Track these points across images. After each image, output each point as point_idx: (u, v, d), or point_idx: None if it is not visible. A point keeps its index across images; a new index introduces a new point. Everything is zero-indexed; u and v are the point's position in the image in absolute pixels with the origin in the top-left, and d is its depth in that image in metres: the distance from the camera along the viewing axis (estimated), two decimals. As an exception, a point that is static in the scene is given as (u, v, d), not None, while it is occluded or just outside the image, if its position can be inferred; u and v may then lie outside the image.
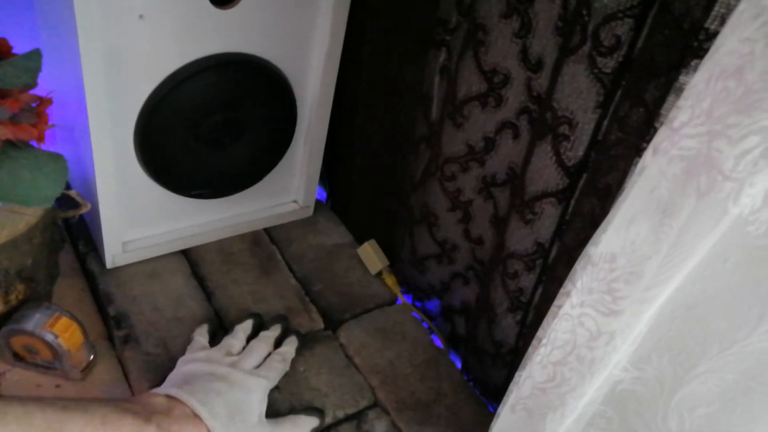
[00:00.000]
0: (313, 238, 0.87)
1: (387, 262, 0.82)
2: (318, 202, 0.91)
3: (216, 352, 0.65)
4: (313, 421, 0.64)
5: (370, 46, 0.71)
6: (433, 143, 0.66)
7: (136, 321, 0.70)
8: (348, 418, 0.67)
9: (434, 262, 0.73)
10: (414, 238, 0.74)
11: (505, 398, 0.54)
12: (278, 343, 0.70)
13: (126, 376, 0.68)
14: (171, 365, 0.67)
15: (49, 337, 0.62)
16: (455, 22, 0.61)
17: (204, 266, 0.79)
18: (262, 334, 0.69)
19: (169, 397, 0.57)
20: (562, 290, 0.44)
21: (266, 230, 0.87)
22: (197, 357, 0.64)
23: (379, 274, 0.83)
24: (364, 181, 0.84)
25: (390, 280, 0.82)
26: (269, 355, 0.67)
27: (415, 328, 0.78)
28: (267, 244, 0.85)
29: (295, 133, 0.80)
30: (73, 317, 0.64)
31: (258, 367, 0.65)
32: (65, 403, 0.51)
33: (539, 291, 0.55)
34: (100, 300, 0.73)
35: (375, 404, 0.69)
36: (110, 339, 0.72)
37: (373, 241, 0.83)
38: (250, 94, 0.72)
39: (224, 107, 0.71)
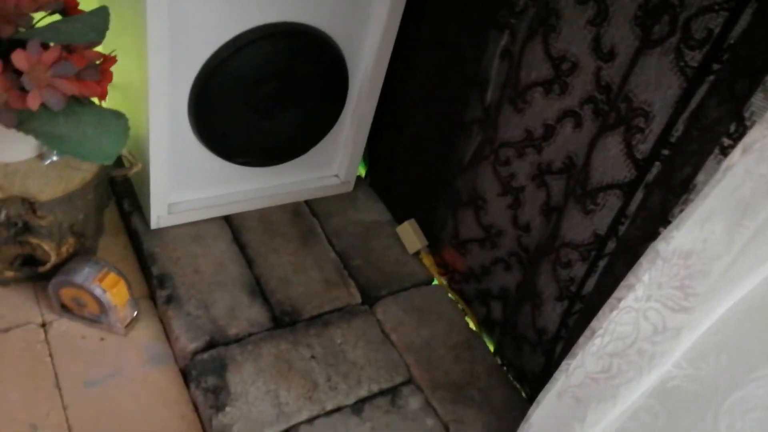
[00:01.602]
0: (352, 213, 0.88)
1: (426, 243, 0.83)
2: (357, 179, 0.91)
3: None
4: None
5: (428, 25, 0.71)
6: (488, 126, 0.65)
7: (178, 282, 0.71)
8: (383, 393, 0.68)
9: (477, 246, 0.73)
10: (458, 220, 0.74)
11: (548, 385, 0.54)
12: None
13: (167, 334, 0.69)
14: (212, 327, 0.68)
15: (98, 291, 0.63)
16: (523, 5, 0.60)
17: (246, 233, 0.79)
18: None
19: None
20: (623, 283, 0.44)
21: (307, 203, 0.87)
22: None
23: (417, 253, 0.83)
24: (409, 161, 0.84)
25: (428, 260, 0.82)
26: None
27: (450, 310, 0.78)
28: (307, 216, 0.85)
29: (344, 108, 0.80)
30: (120, 273, 0.65)
31: None
32: None
33: (591, 282, 0.55)
34: (143, 259, 0.74)
35: (409, 381, 0.70)
36: (152, 298, 0.73)
37: (413, 221, 0.84)
38: (305, 65, 0.72)
39: (278, 77, 0.71)
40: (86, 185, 0.62)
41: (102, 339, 0.67)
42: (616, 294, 0.45)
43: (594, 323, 0.48)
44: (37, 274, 0.65)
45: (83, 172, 0.63)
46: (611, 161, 0.50)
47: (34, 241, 0.60)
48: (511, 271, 0.71)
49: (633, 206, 0.50)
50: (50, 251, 0.61)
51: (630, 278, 0.44)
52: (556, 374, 0.53)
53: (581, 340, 0.49)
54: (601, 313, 0.47)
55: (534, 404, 0.57)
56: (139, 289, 0.72)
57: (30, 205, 0.58)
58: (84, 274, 0.63)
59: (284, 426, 0.62)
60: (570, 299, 0.58)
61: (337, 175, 0.88)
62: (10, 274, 0.62)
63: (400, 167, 0.86)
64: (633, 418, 0.53)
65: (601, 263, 0.54)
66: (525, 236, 0.67)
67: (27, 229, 0.59)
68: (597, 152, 0.51)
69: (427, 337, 0.74)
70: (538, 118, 0.59)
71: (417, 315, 0.76)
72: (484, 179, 0.67)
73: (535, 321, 0.63)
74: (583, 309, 0.57)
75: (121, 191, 0.80)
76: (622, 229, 0.51)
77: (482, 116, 0.67)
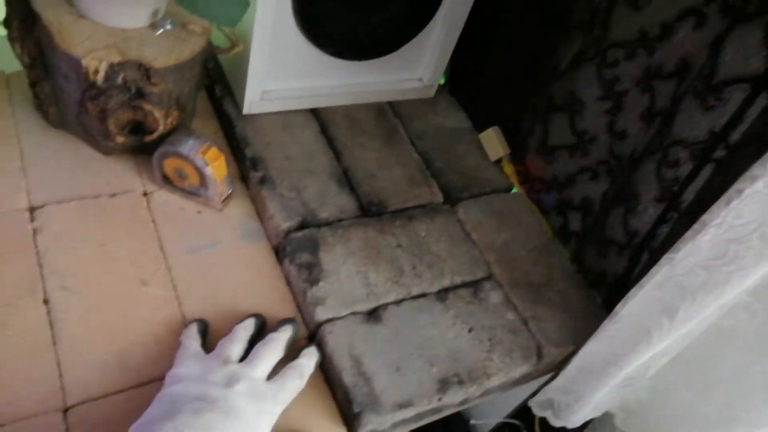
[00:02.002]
0: (433, 118, 0.88)
1: (508, 150, 0.83)
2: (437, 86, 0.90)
3: (211, 360, 0.53)
4: (311, 356, 0.59)
5: None
6: (596, 26, 0.65)
7: (270, 165, 0.73)
8: (465, 285, 0.70)
9: (565, 154, 0.73)
10: (548, 126, 0.74)
11: (644, 279, 0.55)
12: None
13: (259, 214, 0.72)
14: (304, 209, 0.70)
15: (200, 163, 0.65)
16: None
17: (332, 127, 0.81)
18: (270, 336, 0.57)
19: None
20: (747, 174, 0.45)
21: (389, 104, 0.87)
22: (184, 374, 0.52)
23: (498, 161, 0.84)
24: (497, 69, 0.83)
25: (509, 168, 0.83)
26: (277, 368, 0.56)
27: (529, 216, 0.80)
28: (390, 116, 0.86)
29: (438, 10, 0.79)
30: (221, 148, 0.67)
31: (267, 379, 0.54)
32: None
33: (698, 182, 0.55)
34: (235, 143, 0.76)
35: (490, 277, 0.72)
36: (243, 180, 0.75)
37: (496, 128, 0.84)
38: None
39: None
40: (195, 57, 0.64)
41: (199, 212, 0.70)
42: (737, 185, 0.46)
43: (705, 217, 0.48)
44: (141, 144, 0.67)
45: (193, 44, 0.64)
46: (743, 54, 0.49)
47: (146, 107, 0.61)
48: (597, 180, 0.72)
49: (759, 103, 0.50)
50: (159, 119, 0.63)
51: (755, 169, 0.44)
52: (655, 268, 0.54)
53: (688, 234, 0.50)
54: (715, 206, 0.48)
55: (623, 300, 0.59)
56: (231, 171, 0.74)
57: (145, 71, 0.60)
58: (189, 146, 0.65)
59: (374, 304, 0.65)
60: (670, 200, 0.58)
61: (420, 79, 0.88)
62: (120, 139, 0.64)
63: (486, 76, 0.85)
64: (729, 316, 0.54)
65: (713, 161, 0.54)
66: (618, 144, 0.67)
67: (141, 95, 0.61)
68: (726, 46, 0.51)
69: (506, 239, 0.76)
70: (656, 17, 0.58)
71: (497, 218, 0.78)
72: (586, 82, 0.67)
73: (627, 223, 0.64)
74: (686, 209, 0.57)
75: (213, 77, 0.81)
76: (742, 126, 0.51)
77: (589, 17, 0.66)
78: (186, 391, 0.49)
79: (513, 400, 0.91)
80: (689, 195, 0.57)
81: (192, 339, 0.57)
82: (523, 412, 0.92)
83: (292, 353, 0.59)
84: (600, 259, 0.71)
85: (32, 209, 0.64)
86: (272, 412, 0.52)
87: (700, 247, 0.47)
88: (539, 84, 0.74)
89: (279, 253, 0.68)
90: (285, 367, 0.56)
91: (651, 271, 0.53)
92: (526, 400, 0.88)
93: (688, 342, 0.60)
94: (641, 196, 0.61)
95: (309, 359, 0.58)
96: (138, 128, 0.65)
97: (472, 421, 0.98)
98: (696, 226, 0.49)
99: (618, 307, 0.59)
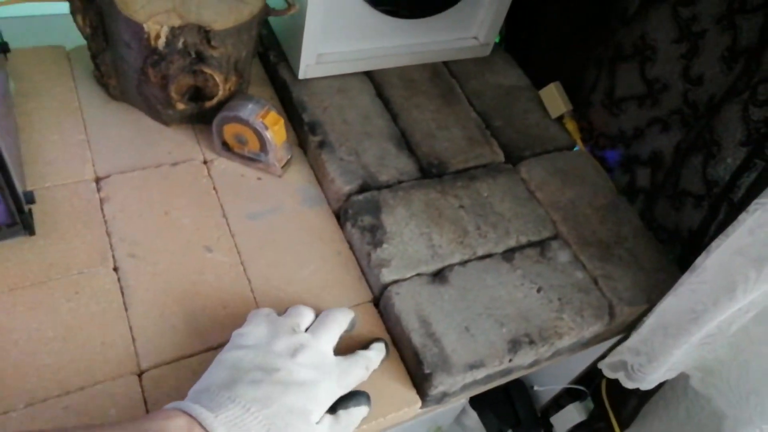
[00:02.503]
0: (490, 77, 0.85)
1: (570, 107, 0.80)
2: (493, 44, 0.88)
3: (280, 325, 0.51)
4: (380, 351, 0.56)
5: None
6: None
7: (328, 129, 0.72)
8: (531, 244, 0.68)
9: (634, 105, 0.70)
10: (615, 77, 0.71)
11: (729, 229, 0.52)
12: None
13: (318, 179, 0.71)
14: (363, 173, 0.69)
15: (260, 127, 0.65)
16: None
17: (388, 89, 0.79)
18: (333, 313, 0.55)
19: (191, 417, 0.42)
20: None
21: (445, 64, 0.85)
22: (251, 334, 0.50)
23: (560, 118, 0.81)
24: (556, 23, 0.80)
25: (571, 125, 0.80)
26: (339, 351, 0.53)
27: (594, 174, 0.77)
28: (447, 76, 0.84)
29: (493, -40, 0.76)
30: (279, 114, 0.67)
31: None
32: None
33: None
34: (292, 108, 0.75)
35: (557, 236, 0.69)
36: (301, 146, 0.74)
37: (557, 84, 0.81)
38: None
39: None
40: (253, 19, 0.63)
41: (259, 179, 0.69)
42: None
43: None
44: (200, 112, 0.67)
45: (251, 5, 0.63)
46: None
47: (207, 71, 0.61)
48: (668, 131, 0.68)
49: None
50: (219, 83, 0.63)
51: None
52: (743, 215, 0.51)
53: (781, 175, 0.47)
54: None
55: (705, 251, 0.56)
56: (288, 136, 0.74)
57: (205, 33, 0.59)
58: (249, 110, 0.64)
59: (439, 265, 0.63)
60: (757, 144, 0.55)
61: (476, 37, 0.85)
62: (181, 106, 0.64)
63: (544, 30, 0.82)
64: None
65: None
66: (693, 90, 0.64)
67: (201, 59, 0.61)
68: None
69: (572, 197, 0.73)
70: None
71: (561, 176, 0.75)
72: (659, 25, 0.63)
73: (706, 173, 0.61)
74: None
75: (266, 44, 0.80)
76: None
77: (658, -43, 0.63)
78: (248, 358, 0.47)
79: (577, 365, 0.89)
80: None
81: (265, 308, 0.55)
82: (587, 377, 0.90)
83: (361, 344, 0.57)
84: (674, 213, 0.68)
85: (98, 180, 0.65)
86: (332, 392, 0.49)
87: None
88: (605, 32, 0.71)
89: (340, 217, 0.67)
90: (354, 353, 0.54)
91: (739, 218, 0.50)
92: (592, 365, 0.85)
93: (776, 296, 0.56)
94: (723, 142, 0.58)
95: (377, 354, 0.56)
96: (198, 94, 0.65)
97: (536, 388, 0.96)
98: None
99: (699, 259, 0.56)
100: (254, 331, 0.50)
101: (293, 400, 0.45)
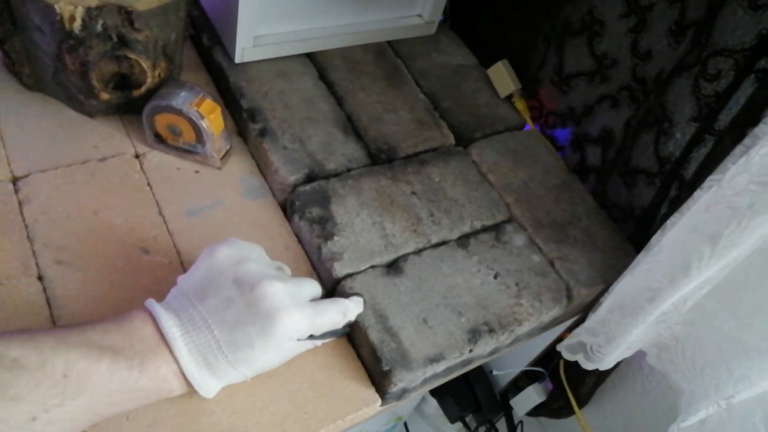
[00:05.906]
0: (436, 56, 0.83)
1: (519, 85, 0.78)
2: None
3: (270, 262, 0.51)
4: (358, 304, 0.55)
5: None
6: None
7: (269, 116, 0.68)
8: (486, 229, 0.66)
9: (583, 82, 0.68)
10: (563, 53, 0.69)
11: (683, 207, 0.51)
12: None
13: (261, 169, 0.67)
14: (309, 161, 0.65)
15: (195, 116, 0.60)
16: None
17: (331, 72, 0.75)
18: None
19: (160, 332, 0.44)
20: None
21: (389, 44, 0.82)
22: (237, 248, 0.49)
23: (509, 97, 0.79)
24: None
25: (521, 104, 0.78)
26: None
27: (546, 153, 0.75)
28: (392, 56, 0.80)
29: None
30: (215, 101, 0.62)
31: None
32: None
33: (739, 95, 0.51)
34: (230, 94, 0.70)
35: (511, 219, 0.68)
36: (241, 134, 0.70)
37: (506, 62, 0.79)
38: None
39: None
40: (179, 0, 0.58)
41: (197, 172, 0.65)
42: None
43: (758, 129, 0.44)
44: (128, 102, 0.62)
45: (176, -15, 0.58)
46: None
47: (132, 56, 0.56)
48: (618, 108, 0.67)
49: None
50: (147, 70, 0.57)
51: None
52: (698, 192, 0.50)
53: (737, 149, 0.46)
54: (768, 116, 0.43)
55: (661, 229, 0.55)
56: (226, 125, 0.69)
57: (127, 14, 0.54)
58: (181, 98, 0.59)
59: (393, 255, 0.61)
60: (707, 119, 0.54)
61: (420, 15, 0.82)
62: (105, 96, 0.59)
63: (490, 6, 0.80)
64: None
65: (756, 71, 0.50)
66: (642, 65, 0.63)
67: (124, 43, 0.55)
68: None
69: (524, 179, 0.72)
70: None
71: (512, 157, 0.73)
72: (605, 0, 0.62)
73: (658, 149, 0.60)
74: (728, 125, 0.53)
75: (198, 27, 0.75)
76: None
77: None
78: (228, 270, 0.46)
79: (535, 347, 0.88)
80: (731, 111, 0.52)
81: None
82: (545, 359, 0.90)
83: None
84: (626, 191, 0.67)
85: (15, 180, 0.59)
86: (302, 327, 0.47)
87: (755, 162, 0.43)
88: (552, 7, 0.69)
89: (287, 209, 0.63)
90: (332, 298, 0.52)
91: (693, 195, 0.49)
92: (550, 346, 0.85)
93: (729, 271, 0.56)
94: (674, 118, 0.57)
95: (356, 305, 0.54)
96: (124, 82, 0.60)
97: (495, 372, 0.95)
98: (746, 141, 0.45)
99: (655, 237, 0.55)
100: (248, 246, 0.50)
101: (261, 332, 0.44)
